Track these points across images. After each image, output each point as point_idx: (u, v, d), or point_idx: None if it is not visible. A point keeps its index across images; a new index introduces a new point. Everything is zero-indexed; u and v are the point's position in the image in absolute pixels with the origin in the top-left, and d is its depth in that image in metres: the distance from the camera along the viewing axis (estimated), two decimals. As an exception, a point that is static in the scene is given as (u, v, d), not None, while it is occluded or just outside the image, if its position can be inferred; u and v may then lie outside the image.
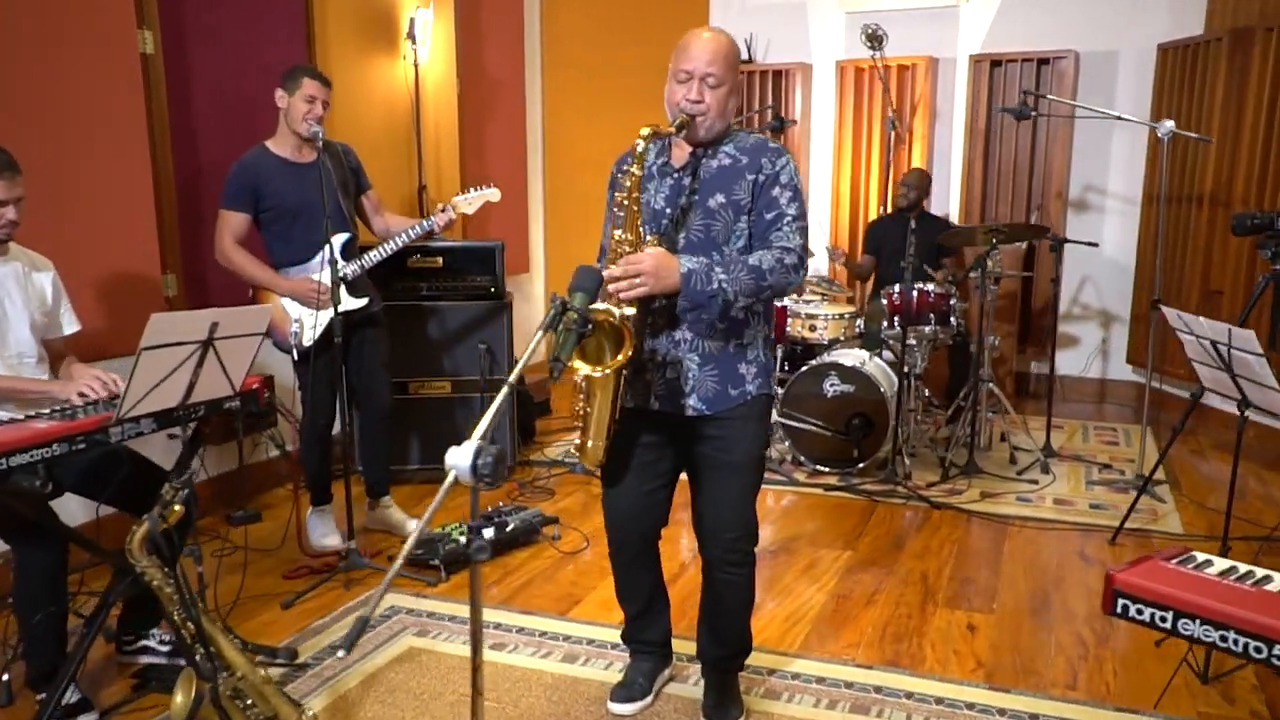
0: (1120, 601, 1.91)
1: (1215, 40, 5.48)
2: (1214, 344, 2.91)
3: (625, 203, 2.46)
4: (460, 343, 4.89)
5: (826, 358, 4.95)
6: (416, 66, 5.36)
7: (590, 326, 2.48)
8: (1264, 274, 3.92)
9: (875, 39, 5.49)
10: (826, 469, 4.94)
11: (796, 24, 6.95)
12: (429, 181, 5.53)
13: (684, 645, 3.10)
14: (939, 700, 2.95)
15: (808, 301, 5.42)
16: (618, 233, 2.47)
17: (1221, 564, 1.95)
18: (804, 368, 4.95)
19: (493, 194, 4.32)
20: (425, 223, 4.07)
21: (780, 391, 5.02)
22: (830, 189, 6.86)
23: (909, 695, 2.99)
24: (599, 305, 2.36)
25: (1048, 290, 6.22)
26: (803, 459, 4.99)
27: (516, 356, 7.10)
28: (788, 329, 5.29)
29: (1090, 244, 5.54)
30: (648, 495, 2.75)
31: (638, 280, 2.38)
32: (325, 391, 3.96)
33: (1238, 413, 3.02)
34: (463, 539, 3.97)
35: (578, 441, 2.65)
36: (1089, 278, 6.14)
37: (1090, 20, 6.22)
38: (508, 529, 4.08)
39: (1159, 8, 6.08)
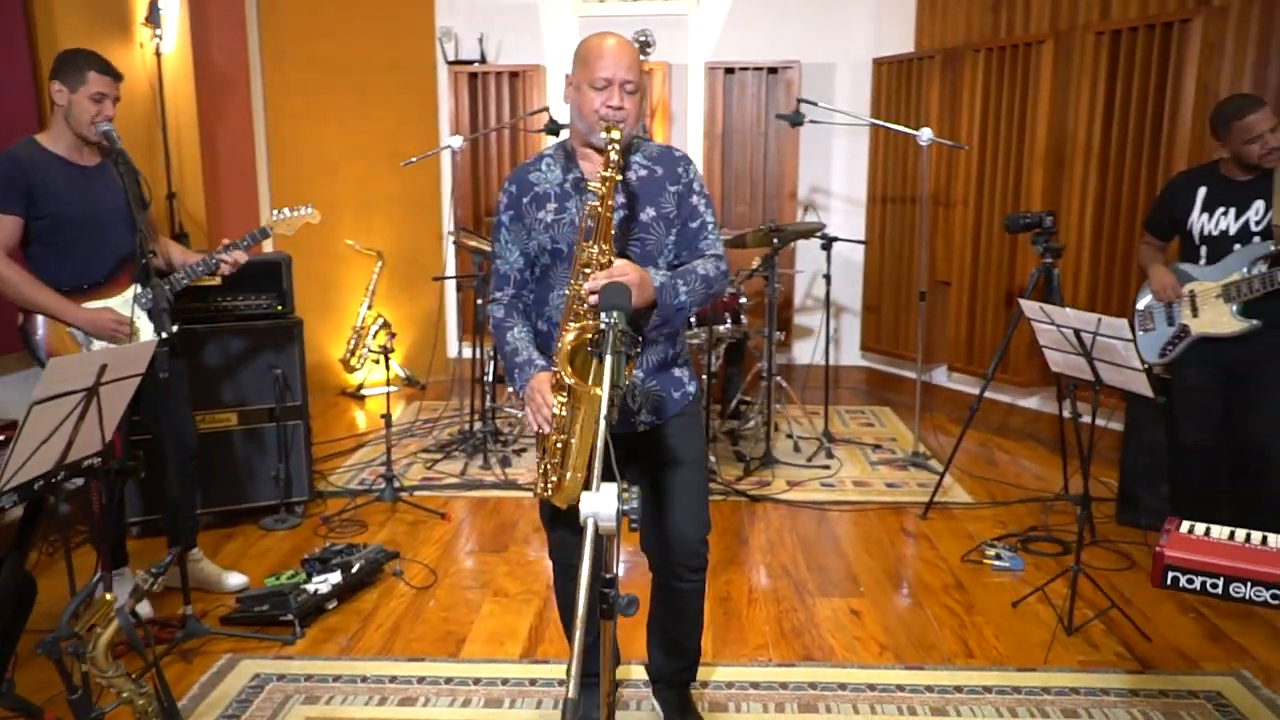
0: (1170, 574, 2.09)
1: (928, 58, 6.10)
2: (1077, 331, 3.27)
3: (599, 212, 2.33)
4: (245, 368, 4.39)
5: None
6: (159, 55, 4.71)
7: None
8: (1035, 267, 4.43)
9: (645, 46, 5.56)
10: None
11: (529, 25, 6.88)
12: (177, 189, 4.88)
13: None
14: (871, 687, 3.09)
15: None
16: (589, 245, 2.34)
17: (1224, 531, 2.20)
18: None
19: (312, 215, 3.94)
20: (211, 258, 3.61)
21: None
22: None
23: (842, 686, 3.10)
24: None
25: (788, 286, 6.66)
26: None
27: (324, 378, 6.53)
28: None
29: (860, 241, 6.00)
30: None
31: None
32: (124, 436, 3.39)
33: (1093, 390, 3.42)
34: (315, 588, 3.58)
35: (545, 482, 2.50)
36: (820, 272, 6.62)
37: (808, 34, 6.70)
38: (353, 570, 3.73)
39: (869, 26, 6.68)
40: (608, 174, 2.31)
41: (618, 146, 2.30)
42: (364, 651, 3.34)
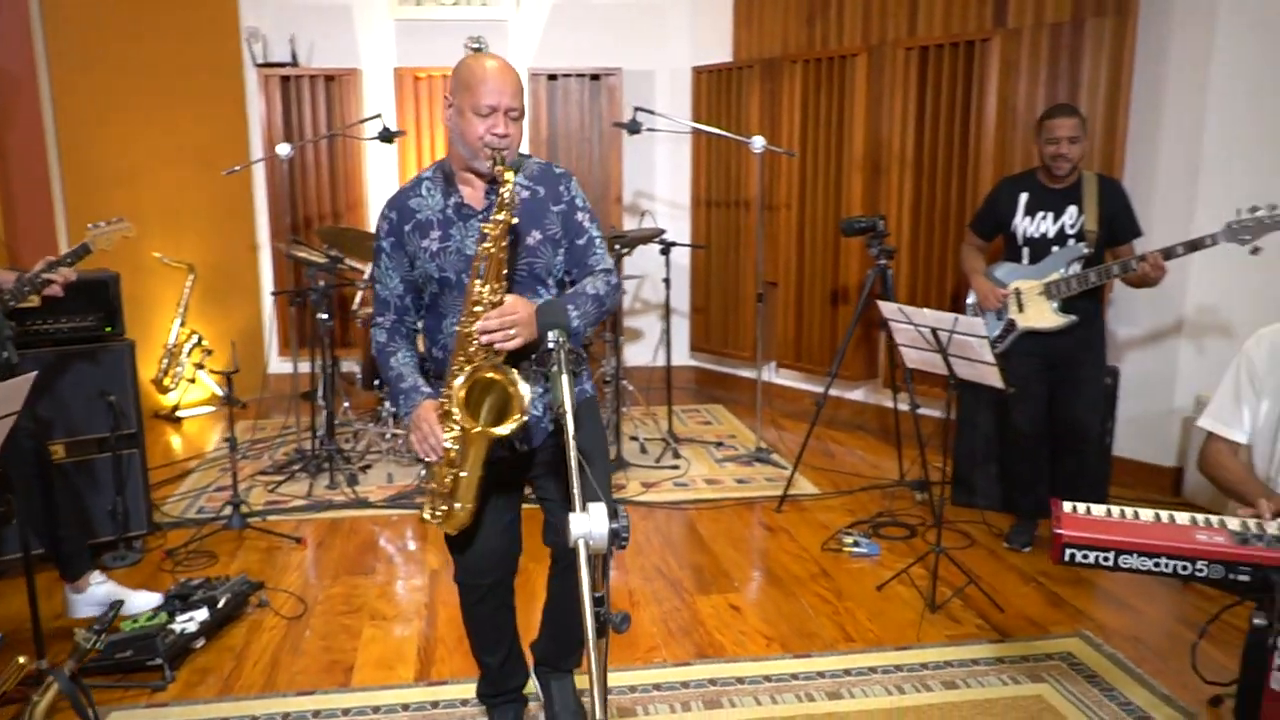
0: (1068, 551, 2.30)
1: (747, 67, 6.35)
2: (934, 330, 3.51)
3: (492, 252, 2.34)
4: (72, 396, 4.06)
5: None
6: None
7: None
8: (870, 269, 4.71)
9: (478, 51, 5.51)
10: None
11: (343, 27, 6.68)
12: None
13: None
14: (767, 678, 3.23)
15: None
16: (479, 284, 2.35)
17: (1101, 509, 2.43)
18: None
19: (127, 228, 3.72)
20: (36, 276, 3.38)
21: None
22: (398, 198, 6.72)
23: (740, 680, 3.22)
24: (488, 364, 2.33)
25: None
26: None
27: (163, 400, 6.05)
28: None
29: (701, 246, 6.14)
30: (507, 531, 2.70)
31: (513, 332, 2.35)
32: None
33: (949, 383, 3.68)
34: (181, 627, 3.37)
35: (434, 510, 2.53)
36: (648, 276, 6.76)
37: (629, 41, 6.82)
38: (220, 605, 3.54)
39: (687, 35, 6.87)
40: (500, 216, 2.32)
41: (511, 188, 2.31)
42: (246, 690, 3.19)
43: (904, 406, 4.77)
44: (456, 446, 2.39)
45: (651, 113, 5.40)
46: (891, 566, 4.02)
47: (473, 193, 2.48)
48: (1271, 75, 4.43)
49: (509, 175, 2.31)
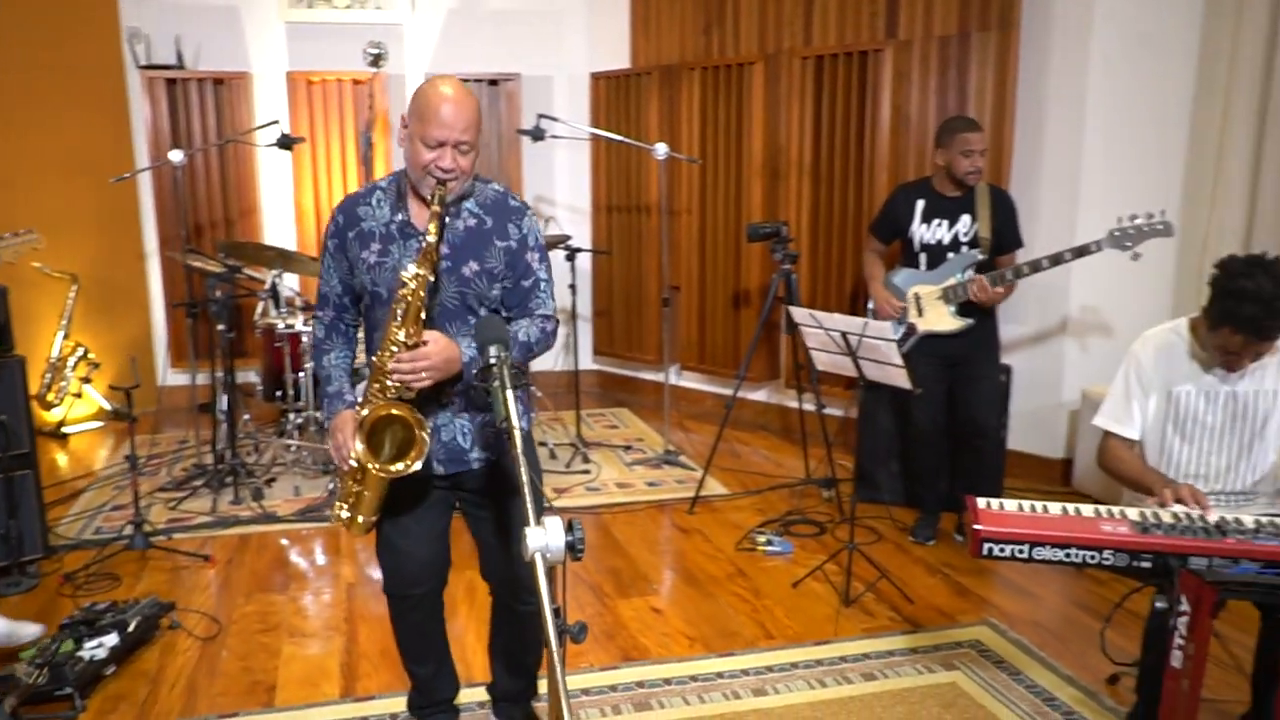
0: (986, 546, 2.42)
1: (645, 74, 6.43)
2: (845, 334, 3.64)
3: (409, 299, 2.35)
4: (-41, 415, 3.89)
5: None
6: None
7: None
8: (775, 273, 4.83)
9: (379, 58, 5.44)
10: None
11: (230, 29, 6.50)
12: None
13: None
14: (693, 679, 3.30)
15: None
16: (395, 327, 2.36)
17: (1013, 504, 2.57)
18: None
19: (35, 239, 3.58)
20: None
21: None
22: (293, 204, 6.59)
23: (667, 682, 3.28)
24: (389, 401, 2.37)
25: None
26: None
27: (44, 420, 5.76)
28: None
29: (604, 251, 6.15)
30: (437, 540, 2.72)
31: (424, 376, 2.36)
32: None
33: (860, 384, 3.81)
34: (90, 654, 3.26)
35: (339, 512, 2.55)
36: (564, 282, 6.77)
37: (526, 46, 6.82)
38: (129, 629, 3.43)
39: (584, 41, 6.90)
40: (421, 272, 2.33)
41: (435, 238, 2.33)
42: (163, 716, 3.10)
43: (808, 406, 4.92)
44: (359, 464, 2.41)
45: (555, 119, 5.43)
46: (804, 563, 4.14)
47: (420, 211, 2.47)
48: (1143, 87, 4.73)
49: (436, 205, 2.33)
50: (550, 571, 1.82)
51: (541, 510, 1.86)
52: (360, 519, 2.52)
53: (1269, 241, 4.45)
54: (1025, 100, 4.94)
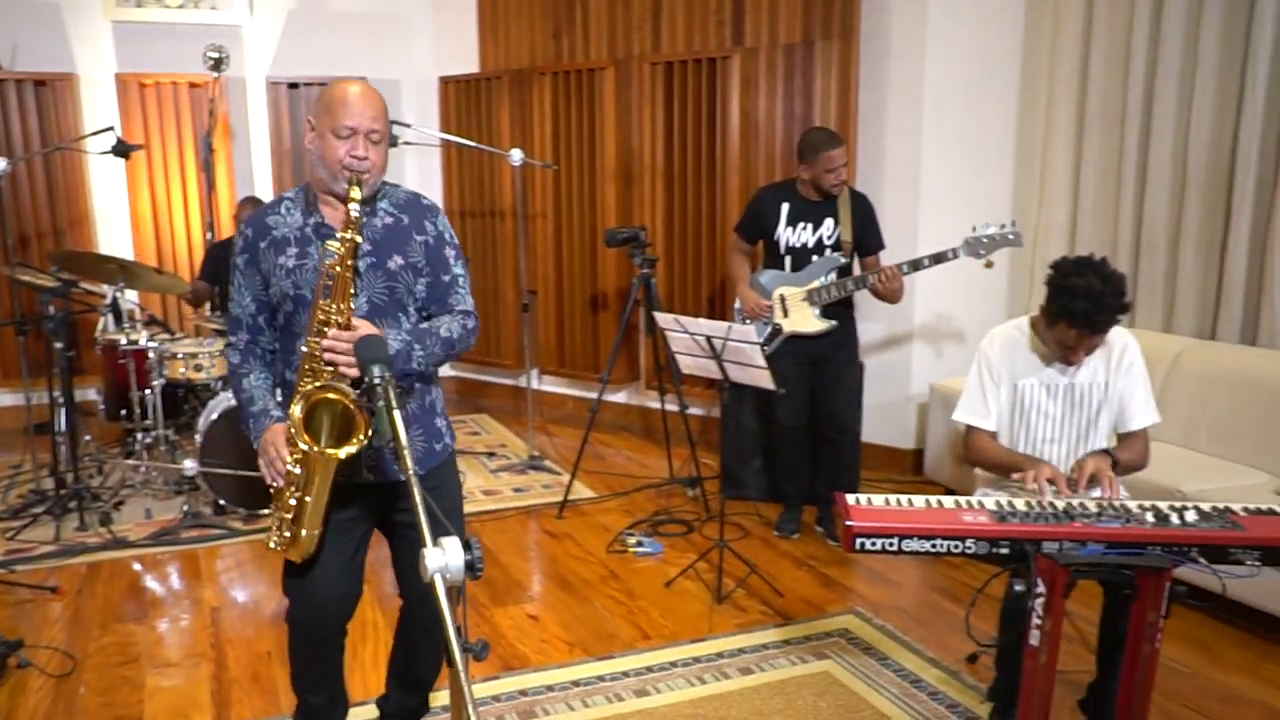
0: (858, 541, 2.54)
1: (495, 78, 6.40)
2: (709, 338, 3.73)
3: (337, 270, 2.33)
4: None
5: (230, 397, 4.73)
6: None
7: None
8: (635, 277, 4.91)
9: (219, 61, 5.25)
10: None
11: (52, 29, 6.15)
12: None
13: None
14: (575, 684, 3.33)
15: (178, 339, 5.05)
16: (325, 302, 2.33)
17: (880, 499, 2.70)
18: (216, 414, 4.63)
19: None
20: None
21: (199, 440, 4.66)
22: (129, 213, 6.28)
23: (550, 688, 3.30)
24: (325, 384, 2.31)
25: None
26: (225, 504, 4.71)
27: None
28: (165, 371, 4.86)
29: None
30: (352, 569, 2.65)
31: (354, 359, 2.31)
32: None
33: (722, 387, 3.91)
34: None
35: (280, 536, 2.45)
36: (403, 288, 6.69)
37: (370, 50, 6.71)
38: (-26, 671, 3.24)
39: (431, 45, 6.83)
40: (347, 235, 2.30)
41: (358, 206, 2.30)
42: (19, 761, 2.95)
43: (671, 407, 5.01)
44: (300, 470, 2.34)
45: (405, 125, 5.36)
46: (675, 563, 4.22)
47: (334, 214, 2.44)
48: (973, 96, 5.01)
49: (355, 193, 2.30)
50: (451, 591, 1.82)
51: (440, 531, 1.86)
52: (304, 533, 2.40)
53: (1091, 240, 4.80)
54: (867, 106, 5.16)
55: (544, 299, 6.37)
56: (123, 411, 5.02)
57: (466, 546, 1.80)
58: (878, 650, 3.50)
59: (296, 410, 2.27)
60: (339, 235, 2.31)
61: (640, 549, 4.36)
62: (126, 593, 4.04)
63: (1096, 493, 2.74)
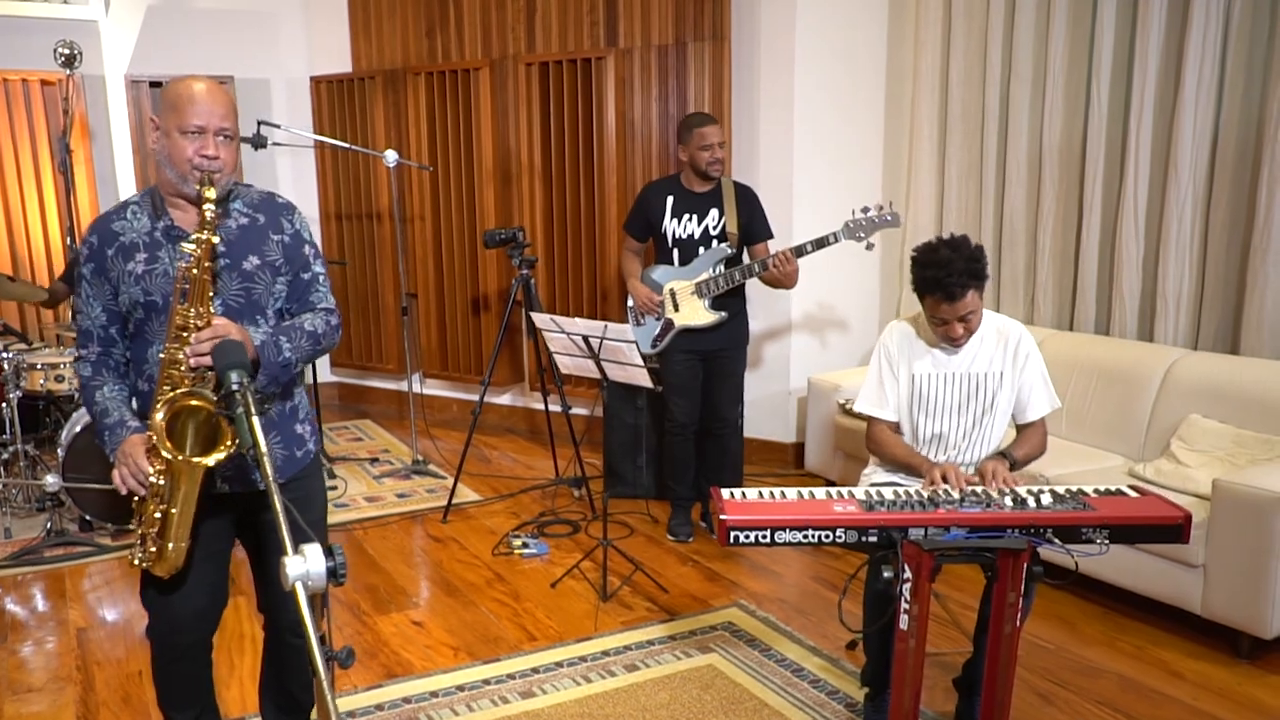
0: (732, 534, 2.59)
1: (369, 78, 6.30)
2: (586, 337, 3.74)
3: (195, 273, 2.27)
4: None
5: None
6: None
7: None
8: (514, 278, 4.89)
9: (71, 59, 5.03)
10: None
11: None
12: None
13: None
14: (460, 688, 3.31)
15: (36, 349, 4.84)
16: (183, 307, 2.28)
17: (754, 493, 2.76)
18: (80, 427, 4.45)
19: None
20: None
21: (61, 454, 4.47)
22: (-21, 220, 5.99)
23: (434, 694, 3.28)
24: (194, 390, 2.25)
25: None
26: (92, 520, 4.54)
27: None
28: (22, 383, 4.65)
29: (340, 262, 5.97)
30: (215, 585, 2.58)
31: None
32: None
33: (601, 386, 3.92)
34: None
35: (144, 551, 2.38)
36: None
37: (238, 48, 6.53)
38: None
39: (302, 43, 6.68)
40: (203, 236, 2.24)
41: (212, 206, 2.24)
42: None
43: (555, 407, 5.01)
44: (163, 481, 2.26)
45: (276, 126, 5.23)
46: (561, 563, 4.23)
47: (184, 216, 2.36)
48: (841, 96, 5.16)
49: (209, 193, 2.23)
50: (314, 599, 1.79)
51: (300, 538, 1.82)
52: (171, 546, 2.32)
53: (956, 231, 4.96)
54: (740, 106, 5.26)
55: (425, 301, 6.30)
56: (-22, 427, 4.79)
57: (329, 553, 1.78)
58: (761, 641, 3.57)
59: (159, 417, 2.20)
60: (194, 236, 2.24)
61: (526, 550, 4.36)
62: (-16, 617, 3.86)
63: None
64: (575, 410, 5.47)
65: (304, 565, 1.75)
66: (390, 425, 6.39)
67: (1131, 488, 2.76)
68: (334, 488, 5.19)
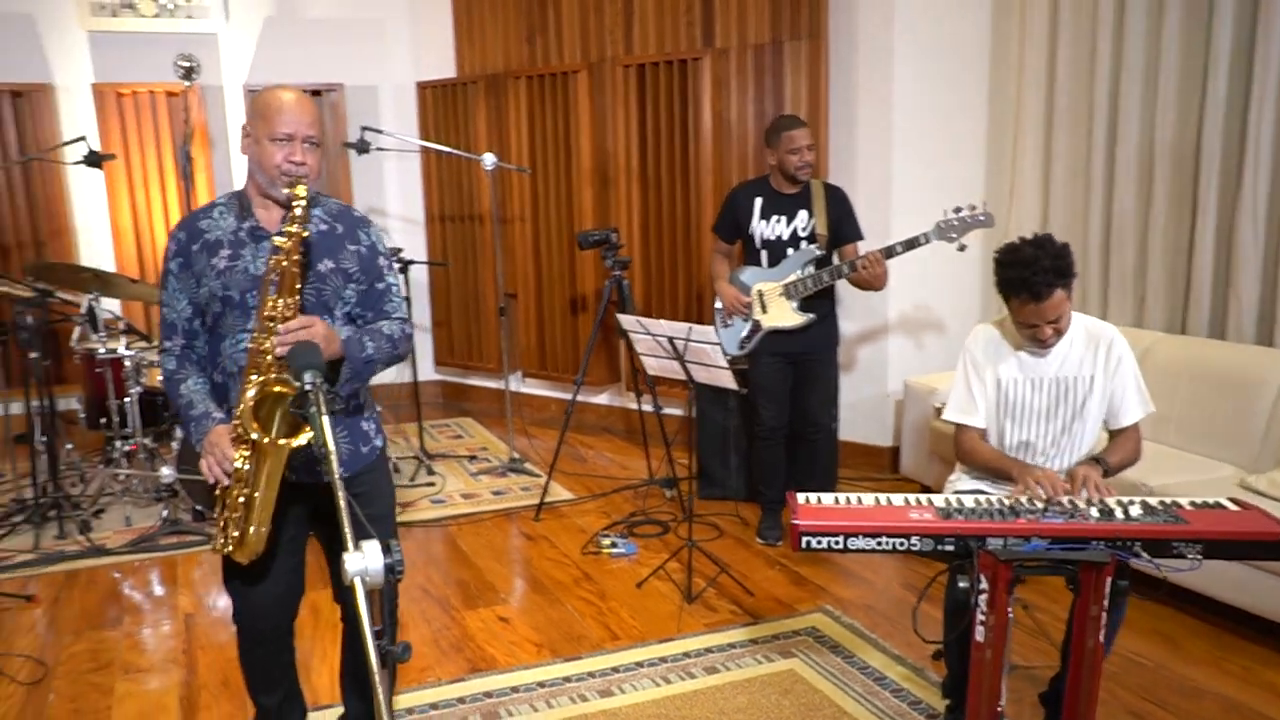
0: (804, 539, 2.56)
1: (472, 83, 6.43)
2: (671, 339, 3.75)
3: (284, 265, 2.35)
4: None
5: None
6: None
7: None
8: (607, 279, 4.93)
9: (190, 71, 5.27)
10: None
11: (27, 39, 6.17)
12: None
13: None
14: (541, 685, 3.35)
15: (157, 347, 5.07)
16: (273, 298, 2.36)
17: (829, 497, 2.72)
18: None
19: None
20: None
21: (175, 447, 4.70)
22: (109, 223, 6.31)
23: (515, 689, 3.33)
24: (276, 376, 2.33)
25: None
26: (203, 511, 4.75)
27: None
28: (142, 379, 4.88)
29: (442, 264, 6.11)
30: (292, 572, 2.69)
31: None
32: None
33: (688, 389, 3.94)
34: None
35: (226, 537, 2.46)
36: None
37: (348, 56, 6.73)
38: (-55, 682, 3.27)
39: (408, 50, 6.86)
40: (293, 229, 2.33)
41: (304, 203, 2.33)
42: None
43: (648, 408, 5.03)
44: (248, 466, 2.35)
45: (380, 131, 5.39)
46: (649, 564, 4.25)
47: (268, 216, 2.47)
48: (942, 92, 5.04)
49: (300, 190, 2.33)
50: (373, 595, 1.84)
51: (361, 534, 1.88)
52: (253, 531, 2.40)
53: (1062, 234, 4.76)
54: (837, 105, 5.19)
55: (524, 302, 6.39)
56: (102, 420, 5.05)
57: (386, 550, 1.83)
58: (844, 648, 3.53)
59: (249, 394, 2.29)
60: (284, 230, 2.34)
61: (615, 550, 4.39)
62: (103, 599, 4.07)
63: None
64: (671, 411, 5.47)
65: (362, 561, 1.80)
66: (490, 423, 6.50)
67: (1233, 500, 2.63)
68: (431, 484, 5.32)
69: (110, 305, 5.39)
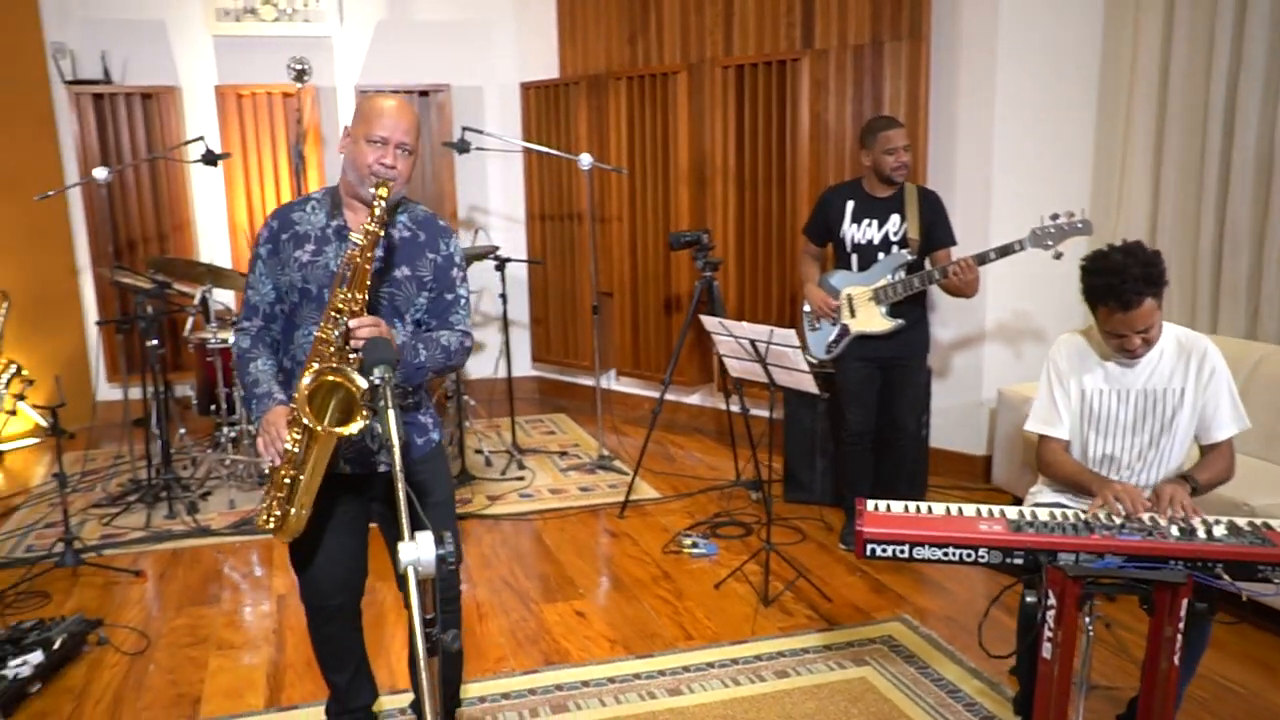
0: (869, 547, 2.54)
1: (574, 84, 6.51)
2: (753, 341, 3.74)
3: (358, 260, 2.43)
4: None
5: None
6: None
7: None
8: (698, 280, 4.93)
9: (302, 73, 5.48)
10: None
11: (157, 44, 6.50)
12: None
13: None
14: (611, 680, 3.39)
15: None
16: (345, 290, 2.44)
17: (899, 506, 2.68)
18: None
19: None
20: None
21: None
22: (226, 219, 6.60)
23: (585, 684, 3.37)
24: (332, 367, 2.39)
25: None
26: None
27: None
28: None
29: (538, 261, 6.20)
30: (353, 555, 2.77)
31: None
32: None
33: (769, 390, 3.92)
34: (14, 672, 3.29)
35: (269, 516, 2.55)
36: (485, 288, 6.82)
37: (455, 57, 6.89)
38: (55, 646, 3.47)
39: (513, 51, 6.98)
40: (371, 226, 2.41)
41: (384, 203, 2.41)
42: (88, 733, 3.15)
43: (736, 409, 5.02)
44: (298, 449, 2.44)
45: (480, 132, 5.50)
46: (729, 565, 4.24)
47: (355, 217, 2.57)
48: (1048, 94, 4.89)
49: (382, 191, 2.41)
50: (427, 584, 1.90)
51: (417, 525, 1.93)
52: (294, 511, 2.49)
53: (1172, 243, 4.63)
54: (937, 107, 5.09)
55: (619, 301, 6.45)
56: (212, 406, 5.29)
57: (439, 541, 1.88)
58: (919, 658, 3.47)
59: (305, 380, 2.35)
60: (363, 226, 2.42)
61: (695, 550, 4.40)
62: (204, 578, 4.26)
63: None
64: (760, 413, 5.45)
65: (415, 551, 1.86)
66: (583, 420, 6.57)
67: (1332, 523, 2.50)
68: (521, 478, 5.41)
69: (222, 297, 5.62)
